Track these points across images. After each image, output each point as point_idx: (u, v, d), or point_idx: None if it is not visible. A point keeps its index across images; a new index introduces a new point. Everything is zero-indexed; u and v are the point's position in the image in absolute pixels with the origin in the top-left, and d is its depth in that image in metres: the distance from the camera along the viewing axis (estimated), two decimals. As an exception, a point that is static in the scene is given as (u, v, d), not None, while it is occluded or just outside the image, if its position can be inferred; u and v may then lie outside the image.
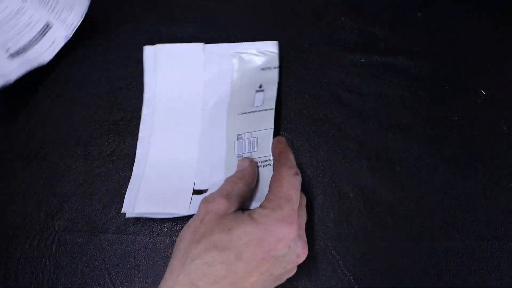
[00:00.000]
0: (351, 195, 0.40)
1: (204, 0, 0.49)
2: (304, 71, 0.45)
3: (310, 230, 0.39)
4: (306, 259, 0.38)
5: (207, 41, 0.47)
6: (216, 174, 0.41)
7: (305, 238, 0.33)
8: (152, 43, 0.47)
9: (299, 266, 0.38)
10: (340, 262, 0.38)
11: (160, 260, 0.39)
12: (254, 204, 0.39)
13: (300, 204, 0.33)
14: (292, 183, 0.32)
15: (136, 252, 0.40)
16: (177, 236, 0.40)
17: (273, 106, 0.42)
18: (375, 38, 0.46)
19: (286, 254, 0.31)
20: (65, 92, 0.46)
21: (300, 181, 0.33)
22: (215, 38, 0.47)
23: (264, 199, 0.38)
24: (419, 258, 0.38)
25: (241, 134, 0.42)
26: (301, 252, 0.32)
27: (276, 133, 0.43)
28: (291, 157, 0.35)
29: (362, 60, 0.46)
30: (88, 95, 0.46)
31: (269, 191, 0.33)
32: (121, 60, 0.47)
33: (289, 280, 0.37)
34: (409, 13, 0.47)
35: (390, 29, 0.47)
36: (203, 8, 0.49)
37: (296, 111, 0.44)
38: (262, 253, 0.30)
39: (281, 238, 0.30)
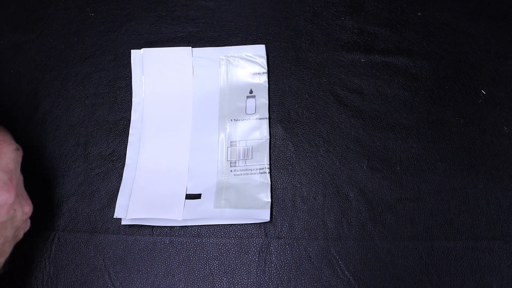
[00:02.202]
0: (351, 195, 0.40)
1: (204, 0, 0.49)
2: (304, 71, 0.45)
3: (310, 230, 0.39)
4: (305, 259, 0.38)
5: (207, 41, 0.47)
6: (208, 179, 0.41)
7: (26, 195, 0.36)
8: (152, 43, 0.47)
9: (301, 268, 0.38)
10: (340, 262, 0.38)
11: (160, 260, 0.39)
12: (250, 212, 0.39)
13: (16, 170, 0.36)
14: (13, 158, 0.35)
15: (136, 252, 0.40)
16: (176, 236, 0.40)
17: (267, 115, 0.43)
18: (375, 38, 0.46)
19: (14, 216, 0.34)
20: (65, 92, 0.46)
21: (21, 155, 0.36)
22: (215, 38, 0.47)
23: (258, 204, 0.39)
24: (419, 258, 0.38)
25: (235, 141, 0.42)
26: (27, 209, 0.36)
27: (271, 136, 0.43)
28: (9, 134, 0.37)
29: (362, 60, 0.46)
30: (88, 95, 0.46)
31: None
32: (121, 60, 0.47)
33: (290, 281, 0.38)
34: (409, 13, 0.47)
35: (390, 29, 0.47)
36: (203, 8, 0.49)
37: (296, 111, 0.44)
38: None
39: (2, 205, 0.33)
